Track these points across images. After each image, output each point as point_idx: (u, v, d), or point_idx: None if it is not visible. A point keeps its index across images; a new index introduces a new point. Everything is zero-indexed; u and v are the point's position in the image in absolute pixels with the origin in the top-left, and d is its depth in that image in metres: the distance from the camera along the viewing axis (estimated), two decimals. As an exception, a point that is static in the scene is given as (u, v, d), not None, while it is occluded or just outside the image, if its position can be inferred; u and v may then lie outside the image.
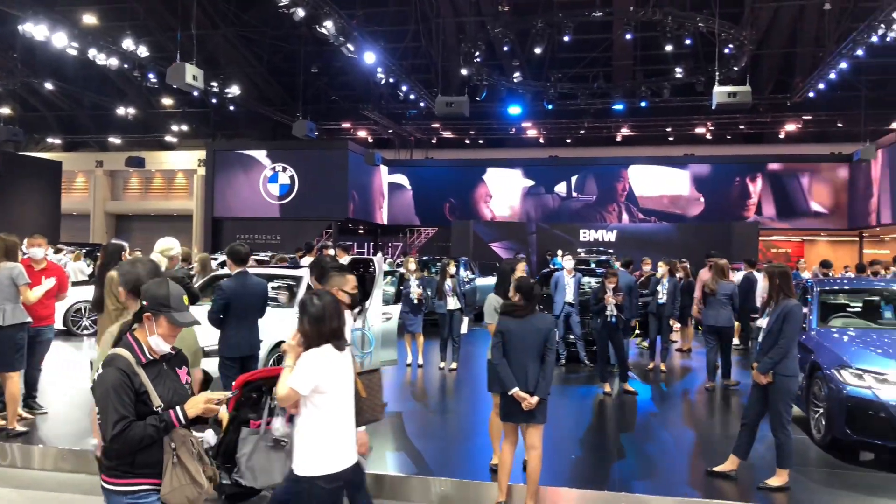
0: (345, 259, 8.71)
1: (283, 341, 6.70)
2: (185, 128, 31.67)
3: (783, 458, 5.61)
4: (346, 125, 33.02)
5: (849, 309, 8.22)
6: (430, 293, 10.90)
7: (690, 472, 6.39)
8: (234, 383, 4.72)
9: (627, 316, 9.86)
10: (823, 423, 6.64)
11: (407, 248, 33.55)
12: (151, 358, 3.03)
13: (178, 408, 2.96)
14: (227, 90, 24.12)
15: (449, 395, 9.59)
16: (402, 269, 12.00)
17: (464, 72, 22.95)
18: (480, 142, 34.82)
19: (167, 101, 30.86)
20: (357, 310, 7.32)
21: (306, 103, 26.33)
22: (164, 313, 3.02)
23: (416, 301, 10.76)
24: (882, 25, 16.42)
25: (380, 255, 7.90)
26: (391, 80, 23.05)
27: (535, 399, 4.95)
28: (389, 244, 34.54)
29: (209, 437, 4.56)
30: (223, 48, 27.17)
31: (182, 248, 7.21)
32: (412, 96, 25.35)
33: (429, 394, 9.62)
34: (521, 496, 5.32)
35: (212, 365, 6.42)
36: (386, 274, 9.79)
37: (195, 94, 20.47)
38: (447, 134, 34.14)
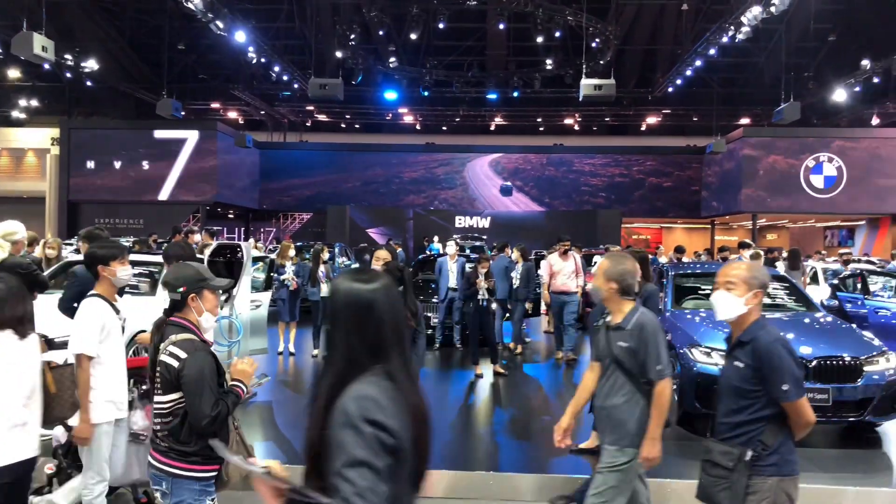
0: (211, 244, 8.38)
1: (143, 331, 6.38)
2: (35, 103, 29.27)
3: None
4: (215, 105, 31.71)
5: (700, 292, 8.79)
6: (302, 280, 10.70)
7: (557, 449, 6.64)
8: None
9: (501, 297, 10.54)
10: (676, 398, 7.09)
11: (280, 233, 32.78)
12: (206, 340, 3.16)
13: (235, 381, 3.11)
14: (83, 64, 22.50)
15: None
16: (272, 255, 11.70)
17: (339, 54, 22.61)
18: (356, 126, 34.49)
19: (14, 74, 28.42)
20: (224, 297, 7.09)
21: (172, 82, 25.05)
22: (204, 286, 3.12)
23: (291, 288, 10.55)
24: (731, 27, 17.62)
25: (251, 240, 7.62)
26: (263, 61, 22.35)
27: None
28: (262, 229, 33.62)
29: (59, 434, 4.27)
30: (80, 19, 25.29)
31: (28, 232, 6.68)
32: (285, 77, 24.70)
33: (301, 382, 9.47)
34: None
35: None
36: (256, 260, 9.50)
37: (46, 66, 18.98)
38: (322, 117, 33.57)
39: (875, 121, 26.95)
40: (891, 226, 25.98)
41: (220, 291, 3.20)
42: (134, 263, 8.58)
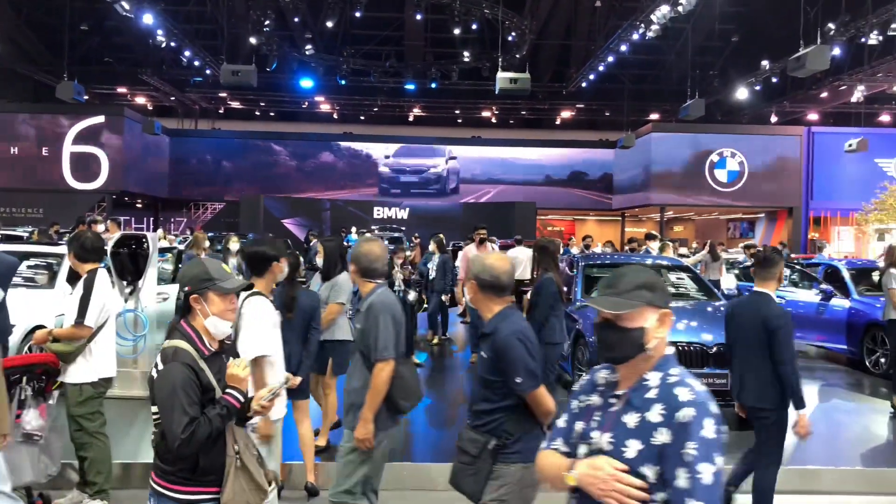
0: (115, 234, 8.04)
1: (41, 326, 6.07)
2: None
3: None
4: (122, 90, 30.40)
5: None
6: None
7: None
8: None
9: (438, 288, 10.75)
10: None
11: (192, 223, 31.79)
12: (212, 349, 2.73)
13: (230, 388, 2.64)
14: (-26, 43, 21.15)
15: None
16: (181, 246, 11.35)
17: (252, 40, 22.09)
18: (272, 114, 33.79)
19: None
20: (128, 290, 6.83)
21: (74, 64, 23.84)
22: (209, 287, 2.72)
23: None
24: (642, 25, 18.19)
25: (159, 230, 7.36)
26: (173, 45, 21.59)
27: (298, 379, 4.92)
28: (172, 219, 32.52)
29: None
30: (-31, -6, 23.75)
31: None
32: (197, 63, 23.94)
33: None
34: (300, 474, 5.29)
35: None
36: (163, 251, 9.19)
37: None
38: (236, 104, 32.73)
39: (773, 118, 28.38)
40: (787, 218, 27.46)
41: (237, 293, 2.82)
42: (31, 255, 8.17)
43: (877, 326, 9.12)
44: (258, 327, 3.90)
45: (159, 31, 19.94)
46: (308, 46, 24.17)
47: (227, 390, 2.64)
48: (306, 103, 31.95)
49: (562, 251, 10.85)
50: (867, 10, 18.15)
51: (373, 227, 23.75)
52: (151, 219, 31.54)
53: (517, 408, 3.05)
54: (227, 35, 22.17)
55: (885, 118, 29.35)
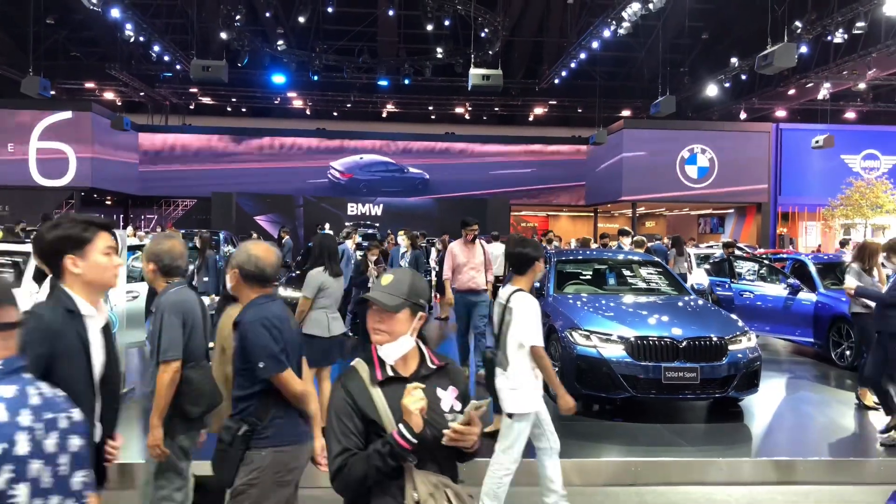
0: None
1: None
2: None
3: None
4: (90, 85, 29.91)
5: (581, 277, 9.15)
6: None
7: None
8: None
9: None
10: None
11: (162, 220, 31.41)
12: (393, 374, 2.27)
13: (400, 424, 2.13)
14: (-65, 36, 20.66)
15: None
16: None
17: (223, 35, 21.85)
18: (243, 110, 33.48)
19: None
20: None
21: (40, 58, 23.39)
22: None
23: None
24: (613, 22, 18.32)
25: (129, 227, 7.27)
26: (142, 39, 21.28)
27: None
28: (143, 216, 32.08)
29: None
30: (-71, -14, 23.18)
31: None
32: (166, 58, 23.62)
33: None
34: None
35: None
36: (133, 248, 9.08)
37: None
38: (207, 100, 32.37)
39: (742, 115, 28.76)
40: (756, 214, 27.87)
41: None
42: (-4, 253, 8.01)
43: (842, 320, 9.31)
44: (531, 318, 4.23)
45: (128, 25, 19.65)
46: (280, 42, 23.99)
47: (399, 426, 2.13)
48: (278, 99, 31.71)
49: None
50: (832, 9, 18.48)
51: (346, 224, 23.65)
52: (121, 216, 31.09)
53: (267, 393, 3.05)
54: (197, 30, 21.93)
55: (850, 115, 29.90)
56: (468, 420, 2.14)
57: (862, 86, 24.50)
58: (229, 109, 33.33)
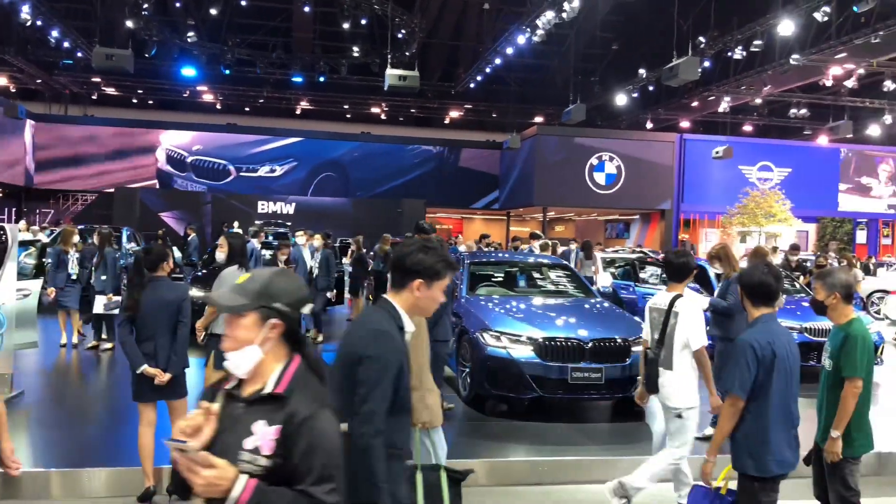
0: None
1: None
2: None
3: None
4: (-21, 70, 28.09)
5: (493, 279, 9.26)
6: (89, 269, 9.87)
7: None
8: None
9: (322, 286, 10.71)
10: (469, 380, 7.41)
11: (60, 215, 29.81)
12: (233, 388, 1.99)
13: (170, 441, 1.85)
14: None
15: (102, 377, 8.80)
16: (45, 239, 10.66)
17: (130, 24, 20.96)
18: (150, 102, 32.22)
19: None
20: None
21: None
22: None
23: (74, 276, 9.83)
24: (528, 29, 18.65)
25: (22, 222, 6.89)
26: (40, 23, 20.15)
27: (167, 376, 4.76)
28: (38, 210, 30.37)
29: None
30: None
31: None
32: (66, 44, 22.45)
33: (81, 377, 8.72)
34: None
35: None
36: (25, 244, 8.58)
37: None
38: (111, 91, 30.96)
39: (649, 125, 29.86)
40: (660, 220, 28.97)
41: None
42: None
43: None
44: (698, 322, 4.58)
45: (24, 8, 18.56)
46: (190, 33, 23.21)
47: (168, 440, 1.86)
48: (188, 92, 30.68)
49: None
50: (733, 27, 19.44)
51: (256, 222, 23.11)
52: (14, 210, 29.33)
53: None
54: (101, 16, 20.95)
55: (748, 128, 31.52)
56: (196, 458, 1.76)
57: (758, 101, 25.84)
58: (135, 101, 31.99)
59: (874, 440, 3.98)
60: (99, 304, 9.23)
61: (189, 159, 30.27)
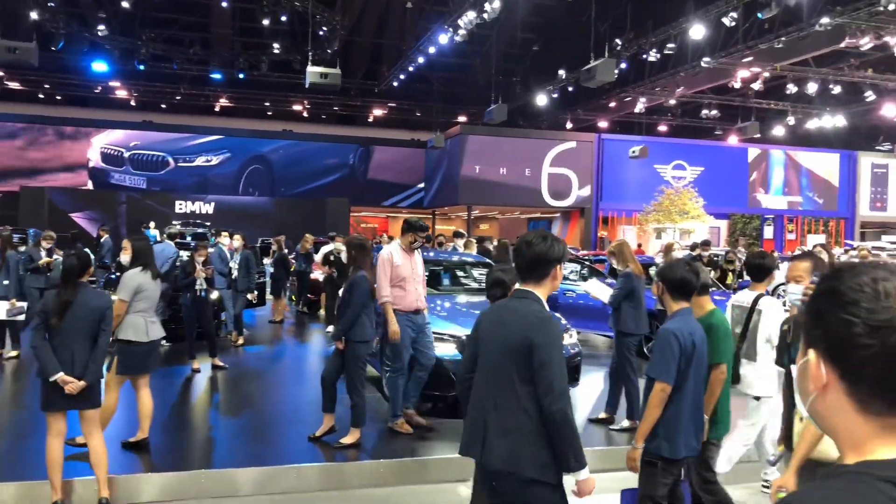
0: None
1: None
2: None
3: (356, 417, 6.09)
4: None
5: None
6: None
7: (276, 441, 6.56)
8: None
9: (242, 287, 10.63)
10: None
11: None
12: None
13: None
14: None
15: (7, 386, 8.38)
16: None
17: (34, 15, 19.97)
18: (58, 98, 30.81)
19: None
20: None
21: None
22: None
23: None
24: (450, 28, 18.75)
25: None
26: (-67, 13, 18.98)
27: (81, 383, 4.59)
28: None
29: None
30: None
31: None
32: (-36, 36, 21.21)
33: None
34: (90, 490, 4.90)
35: None
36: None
37: None
38: (14, 85, 29.44)
39: (569, 125, 30.48)
40: (579, 218, 29.65)
41: None
42: None
43: (653, 316, 10.12)
44: (779, 318, 4.78)
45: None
46: (101, 27, 22.33)
47: None
48: (100, 88, 29.49)
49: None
50: (648, 30, 20.07)
51: (174, 222, 22.45)
52: None
53: None
54: (4, 7, 19.90)
55: (662, 128, 32.60)
56: None
57: (672, 102, 26.77)
58: (42, 96, 30.52)
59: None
60: (1, 310, 8.75)
61: (127, 154, 29.43)
